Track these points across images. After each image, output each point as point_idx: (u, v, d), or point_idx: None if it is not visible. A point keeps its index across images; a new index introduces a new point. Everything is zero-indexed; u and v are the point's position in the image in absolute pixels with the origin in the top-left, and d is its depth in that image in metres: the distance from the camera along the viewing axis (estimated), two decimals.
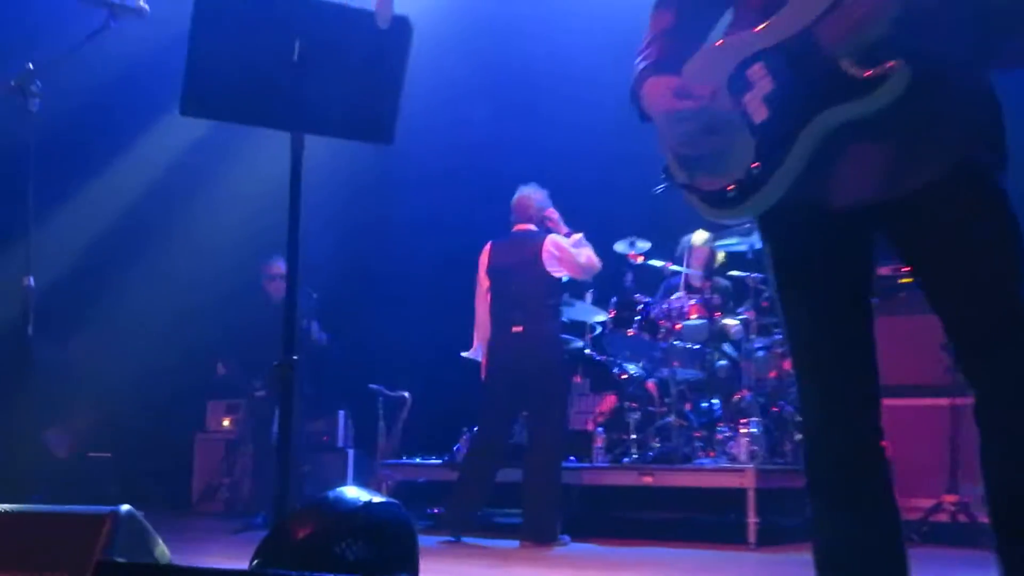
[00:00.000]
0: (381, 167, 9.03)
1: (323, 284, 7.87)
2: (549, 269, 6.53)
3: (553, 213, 6.72)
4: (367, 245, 9.61)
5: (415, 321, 9.01)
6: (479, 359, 6.77)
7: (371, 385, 8.05)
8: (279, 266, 8.00)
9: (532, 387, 6.48)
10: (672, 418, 6.87)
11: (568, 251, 6.54)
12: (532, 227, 6.69)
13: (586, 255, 6.57)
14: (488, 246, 6.83)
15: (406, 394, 8.08)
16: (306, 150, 3.21)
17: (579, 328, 7.75)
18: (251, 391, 8.11)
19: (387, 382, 8.13)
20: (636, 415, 7.04)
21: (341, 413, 8.94)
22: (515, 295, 6.56)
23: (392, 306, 9.27)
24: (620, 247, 7.46)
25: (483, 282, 6.76)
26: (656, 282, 7.84)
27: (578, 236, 6.64)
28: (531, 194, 6.75)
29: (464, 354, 6.86)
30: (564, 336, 7.40)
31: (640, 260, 7.33)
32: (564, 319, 7.39)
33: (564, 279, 6.70)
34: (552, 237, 6.60)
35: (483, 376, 6.66)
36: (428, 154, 9.07)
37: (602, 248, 7.41)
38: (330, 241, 8.47)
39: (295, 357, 3.11)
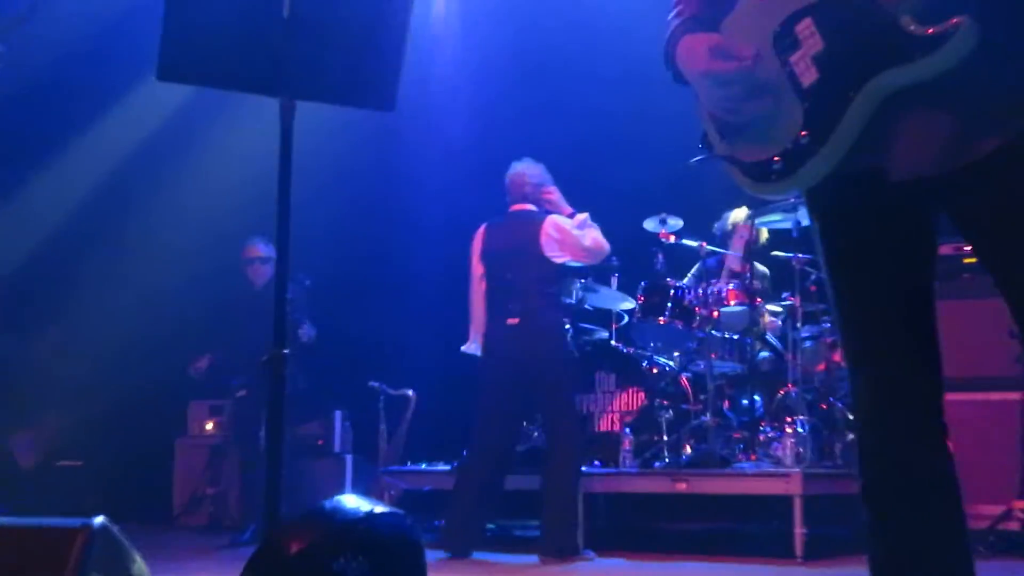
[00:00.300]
0: (383, 136, 9.06)
1: (316, 268, 7.89)
2: (548, 254, 6.53)
3: (552, 191, 6.72)
4: (366, 224, 9.64)
5: (420, 310, 9.03)
6: (479, 354, 6.80)
7: (371, 382, 8.04)
8: (259, 248, 8.10)
9: (536, 386, 6.50)
10: (708, 417, 6.87)
11: (570, 233, 6.53)
12: (529, 207, 6.69)
13: (591, 237, 6.56)
14: (481, 229, 6.84)
15: (410, 392, 8.06)
16: (297, 118, 3.22)
17: (603, 317, 7.78)
18: (232, 390, 8.21)
19: (389, 379, 8.17)
20: (668, 414, 7.07)
21: (337, 414, 9.00)
22: (511, 283, 6.57)
23: (394, 293, 9.34)
24: (649, 225, 7.49)
25: (476, 269, 6.78)
26: (690, 264, 7.87)
27: (582, 216, 6.63)
28: (525, 170, 6.74)
29: (463, 348, 6.88)
30: (587, 326, 7.43)
31: (672, 240, 7.34)
32: (587, 307, 7.42)
33: (568, 264, 6.69)
34: (552, 218, 6.60)
35: (479, 373, 6.70)
36: (437, 122, 9.10)
37: (630, 227, 7.39)
38: (324, 219, 8.49)
39: (286, 351, 3.12)
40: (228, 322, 8.18)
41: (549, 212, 6.67)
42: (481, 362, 6.68)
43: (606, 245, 6.64)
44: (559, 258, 6.55)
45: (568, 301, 7.41)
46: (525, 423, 7.09)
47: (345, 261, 9.15)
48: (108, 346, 9.02)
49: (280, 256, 3.17)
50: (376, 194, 9.76)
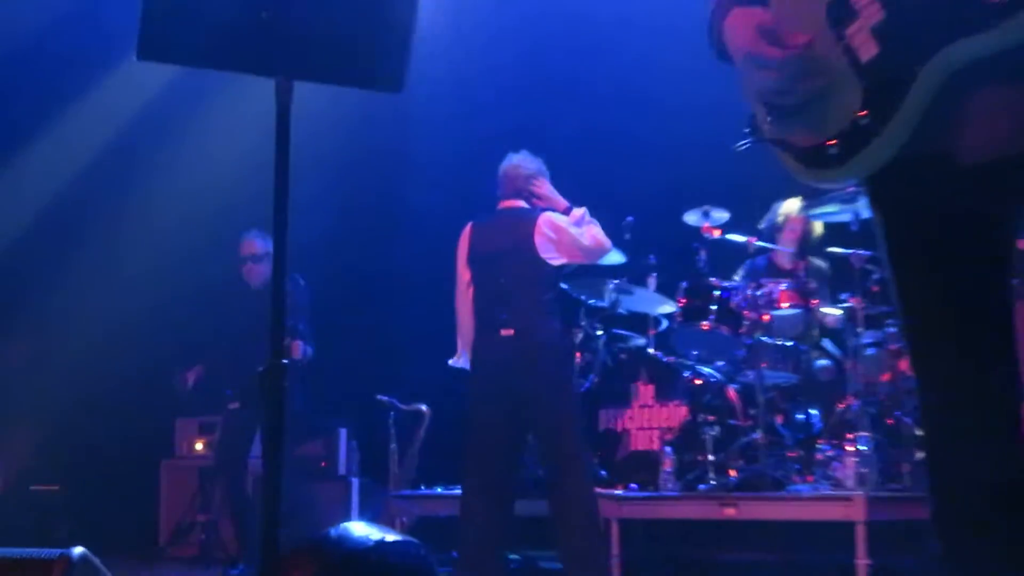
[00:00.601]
0: (392, 123, 9.09)
1: (316, 267, 7.92)
2: (544, 255, 6.45)
3: (543, 185, 6.66)
4: (371, 218, 9.71)
5: (433, 314, 9.05)
6: (463, 366, 6.75)
7: (379, 396, 8.06)
8: (255, 244, 8.15)
9: (533, 406, 6.39)
10: (759, 434, 6.87)
11: (567, 232, 6.48)
12: (521, 203, 6.65)
13: (590, 235, 6.52)
14: (467, 228, 6.78)
15: (424, 407, 8.10)
16: (295, 101, 3.22)
17: (640, 322, 7.79)
18: (224, 401, 8.18)
19: (400, 392, 8.16)
20: (714, 431, 7.03)
21: (342, 432, 9.04)
22: (502, 289, 6.50)
23: (404, 295, 9.35)
24: (691, 219, 7.48)
25: (463, 274, 6.72)
26: (737, 262, 7.92)
27: (580, 212, 6.58)
28: (520, 163, 6.69)
29: (451, 362, 6.83)
30: (621, 332, 7.40)
31: (717, 235, 7.34)
32: (621, 310, 7.40)
33: (566, 267, 6.63)
34: (547, 216, 6.53)
35: (468, 390, 6.62)
36: (453, 109, 9.09)
37: (669, 221, 7.38)
38: (326, 216, 8.50)
39: (285, 361, 3.13)
40: (221, 326, 8.22)
41: (543, 209, 6.61)
42: (470, 378, 6.61)
43: (607, 243, 6.59)
44: (556, 260, 6.48)
45: (600, 304, 7.41)
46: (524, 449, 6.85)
47: (348, 259, 9.24)
48: (85, 358, 9.05)
49: (277, 254, 3.17)
50: (382, 185, 9.84)
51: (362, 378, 8.59)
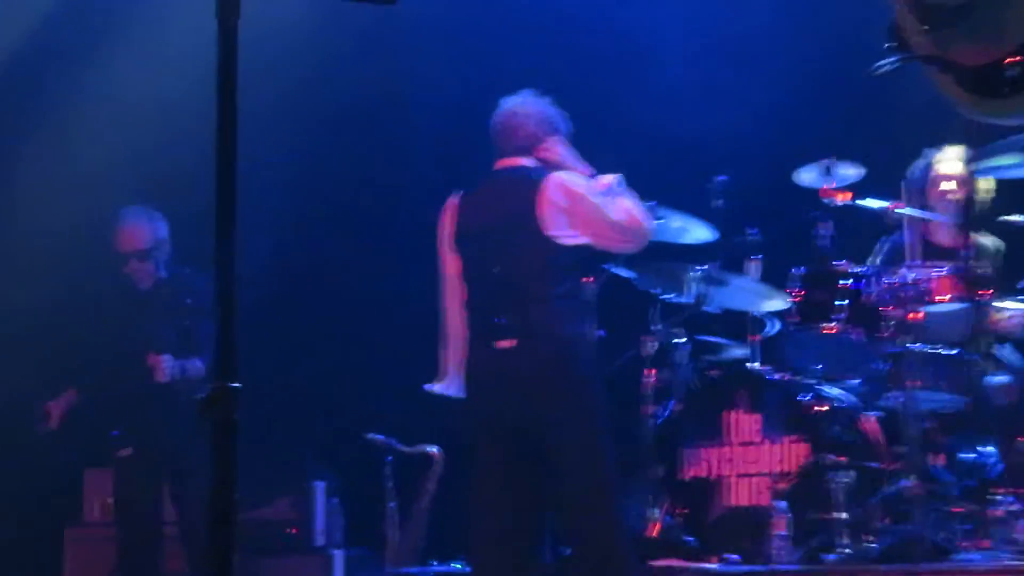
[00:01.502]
0: (376, 78, 9.13)
1: (277, 261, 7.92)
2: (553, 231, 6.36)
3: (555, 144, 6.60)
4: (354, 205, 9.73)
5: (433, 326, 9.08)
6: (451, 393, 6.70)
7: (371, 435, 8.07)
8: (144, 228, 8.23)
9: (543, 446, 6.33)
10: (911, 481, 6.84)
11: (586, 199, 6.39)
12: (523, 161, 6.58)
13: (623, 207, 6.45)
14: (453, 201, 6.74)
15: (434, 450, 8.09)
16: (243, 32, 3.20)
17: (737, 325, 7.84)
18: (110, 447, 8.28)
19: (399, 430, 8.15)
20: (846, 477, 6.99)
21: (318, 487, 9.07)
22: (499, 281, 6.46)
23: (400, 299, 9.35)
24: (808, 177, 7.53)
25: (449, 262, 6.69)
26: (874, 238, 7.90)
27: (609, 179, 6.52)
28: (519, 108, 6.62)
29: (428, 387, 6.77)
30: (710, 339, 7.38)
31: (845, 199, 7.36)
32: (711, 308, 7.38)
33: (586, 247, 6.48)
34: (557, 177, 6.44)
35: (460, 424, 6.65)
36: (451, 59, 9.14)
37: (777, 180, 7.37)
38: (281, 188, 8.52)
39: (235, 384, 3.11)
40: (99, 341, 8.26)
41: (553, 168, 6.55)
42: (462, 408, 6.60)
43: (647, 222, 6.53)
44: (569, 238, 6.39)
45: (681, 300, 7.38)
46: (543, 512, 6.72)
47: (321, 248, 9.24)
48: None
49: (222, 238, 3.17)
50: (365, 160, 9.87)
51: (345, 410, 8.62)
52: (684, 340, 7.43)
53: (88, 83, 9.29)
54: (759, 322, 7.83)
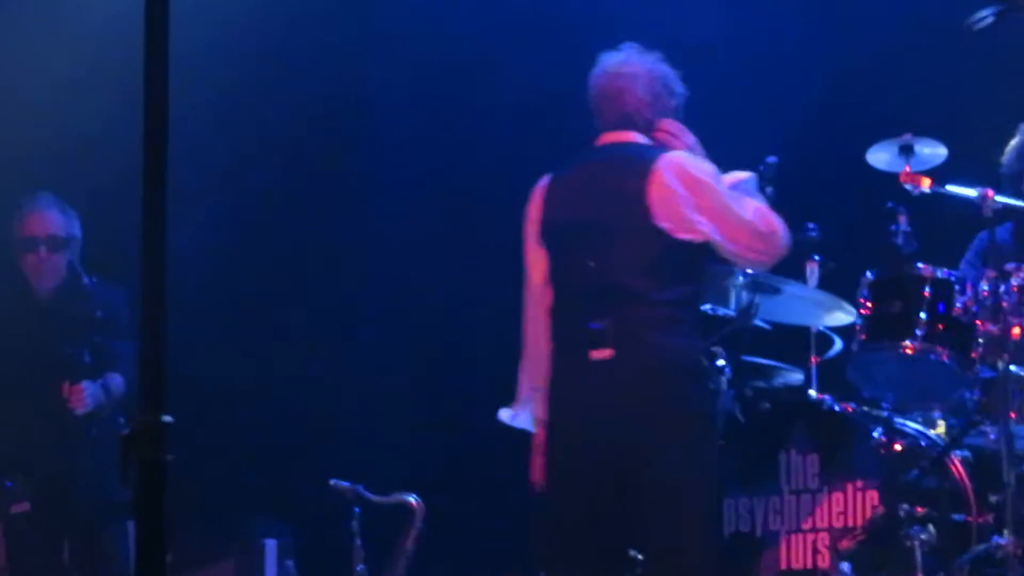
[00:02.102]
0: (335, 71, 9.21)
1: (214, 261, 7.97)
2: (663, 223, 6.49)
3: (671, 124, 6.77)
4: (317, 192, 9.79)
5: (425, 337, 9.12)
6: (531, 427, 6.82)
7: (334, 482, 8.11)
8: (59, 216, 8.19)
9: (639, 482, 6.46)
10: (1006, 536, 6.87)
11: (712, 188, 6.53)
12: (631, 136, 6.74)
13: (756, 208, 6.59)
14: (542, 184, 6.88)
15: (412, 499, 8.11)
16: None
17: (792, 343, 7.89)
18: (2, 501, 8.29)
19: (369, 475, 8.18)
20: (925, 533, 7.04)
21: (269, 546, 9.19)
22: (594, 280, 6.59)
23: (371, 305, 9.39)
24: (880, 159, 7.61)
25: (535, 261, 6.84)
26: (964, 234, 7.90)
27: (741, 175, 6.71)
28: (624, 68, 6.79)
29: (504, 417, 6.99)
30: (759, 362, 7.43)
31: (926, 186, 7.30)
32: (760, 322, 7.42)
33: (704, 246, 6.63)
34: (674, 157, 6.58)
35: (543, 461, 6.72)
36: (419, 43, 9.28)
37: (841, 160, 7.41)
38: (223, 167, 8.59)
39: (166, 418, 3.15)
40: None
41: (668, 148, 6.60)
42: (548, 435, 6.65)
43: (784, 231, 6.61)
44: (686, 232, 6.50)
45: (722, 313, 7.43)
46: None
47: (270, 245, 9.29)
48: None
49: (150, 246, 3.22)
50: (330, 148, 9.95)
51: (303, 451, 8.67)
52: (725, 363, 7.47)
53: None
54: (821, 340, 7.86)
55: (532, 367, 6.75)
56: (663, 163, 6.45)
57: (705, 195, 6.41)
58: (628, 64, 6.68)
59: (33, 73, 9.22)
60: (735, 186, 6.48)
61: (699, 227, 6.45)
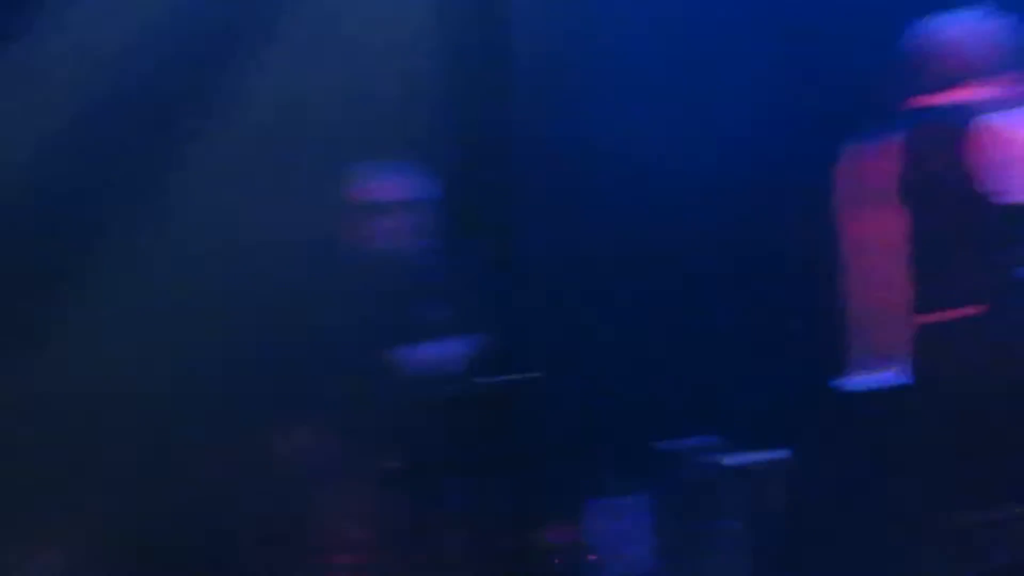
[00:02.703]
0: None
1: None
2: (996, 187, 6.20)
3: (1009, 76, 6.31)
4: None
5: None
6: (888, 382, 6.37)
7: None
8: (387, 181, 8.07)
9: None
10: None
11: None
12: (964, 96, 6.42)
13: None
14: (869, 149, 6.54)
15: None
16: None
17: None
18: None
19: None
20: None
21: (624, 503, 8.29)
22: (930, 244, 6.34)
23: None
24: None
25: (867, 222, 6.52)
26: None
27: None
28: (965, 30, 6.46)
29: (857, 381, 6.54)
30: None
31: None
32: None
33: None
34: (999, 120, 6.26)
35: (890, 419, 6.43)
36: None
37: None
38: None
39: None
40: None
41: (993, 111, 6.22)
42: (898, 397, 6.36)
43: None
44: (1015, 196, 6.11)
45: None
46: None
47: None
48: None
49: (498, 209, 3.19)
50: None
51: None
52: None
53: None
54: None
55: (878, 329, 6.54)
56: (986, 126, 6.32)
57: None
58: (968, 27, 6.56)
59: None
60: None
61: None
